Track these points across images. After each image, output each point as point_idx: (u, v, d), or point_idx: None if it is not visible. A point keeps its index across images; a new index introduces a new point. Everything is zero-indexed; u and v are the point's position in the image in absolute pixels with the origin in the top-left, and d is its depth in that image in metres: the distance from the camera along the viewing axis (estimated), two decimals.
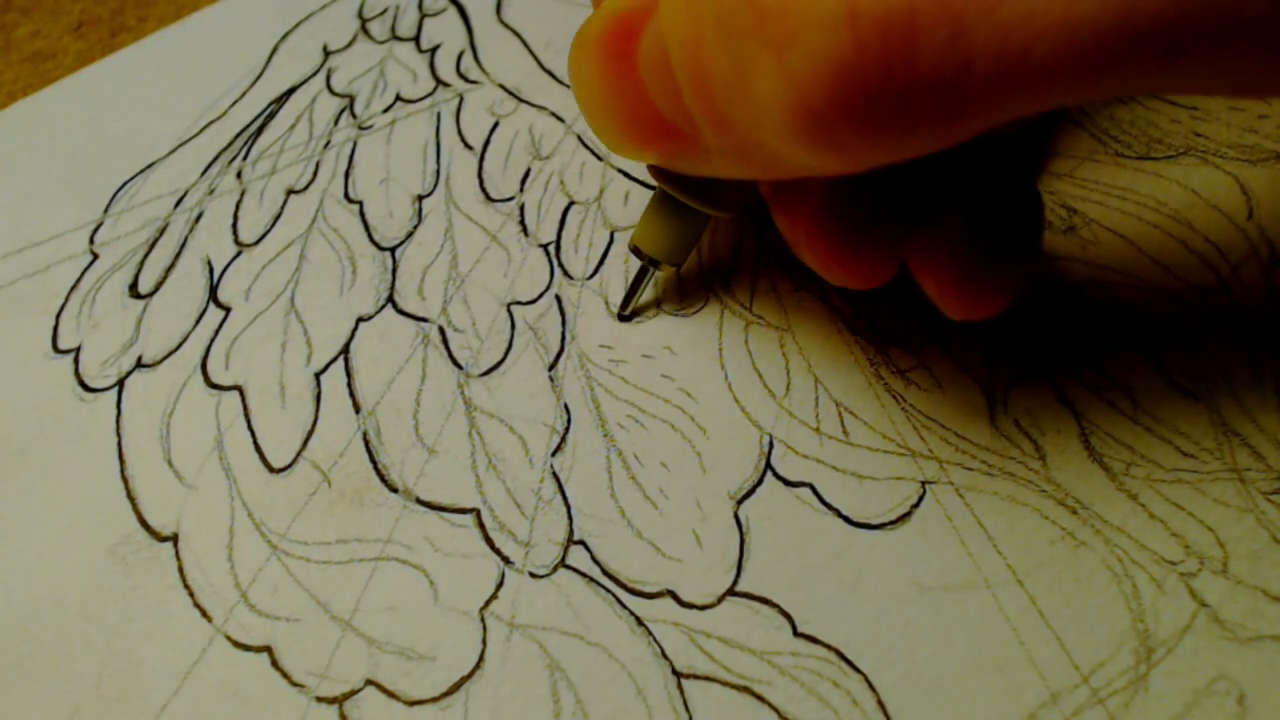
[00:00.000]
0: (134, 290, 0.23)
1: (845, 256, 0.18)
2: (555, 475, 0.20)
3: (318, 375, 0.22)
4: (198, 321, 0.22)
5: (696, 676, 0.18)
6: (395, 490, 0.20)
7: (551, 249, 0.23)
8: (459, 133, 0.25)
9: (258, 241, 0.24)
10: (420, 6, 0.28)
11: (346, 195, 0.24)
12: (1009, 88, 0.12)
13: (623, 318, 0.22)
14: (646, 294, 0.22)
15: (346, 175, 0.25)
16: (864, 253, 0.18)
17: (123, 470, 0.21)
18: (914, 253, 0.18)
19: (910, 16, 0.12)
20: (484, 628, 0.19)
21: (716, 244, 0.23)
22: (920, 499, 0.20)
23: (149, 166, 0.25)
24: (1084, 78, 0.12)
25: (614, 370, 0.21)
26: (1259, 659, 0.18)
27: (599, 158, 0.25)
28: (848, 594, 0.19)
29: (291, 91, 0.26)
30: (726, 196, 0.19)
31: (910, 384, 0.21)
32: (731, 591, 0.19)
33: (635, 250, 0.21)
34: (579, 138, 0.25)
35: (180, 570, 0.19)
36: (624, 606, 0.19)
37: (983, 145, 0.17)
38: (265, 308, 0.23)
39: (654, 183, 0.21)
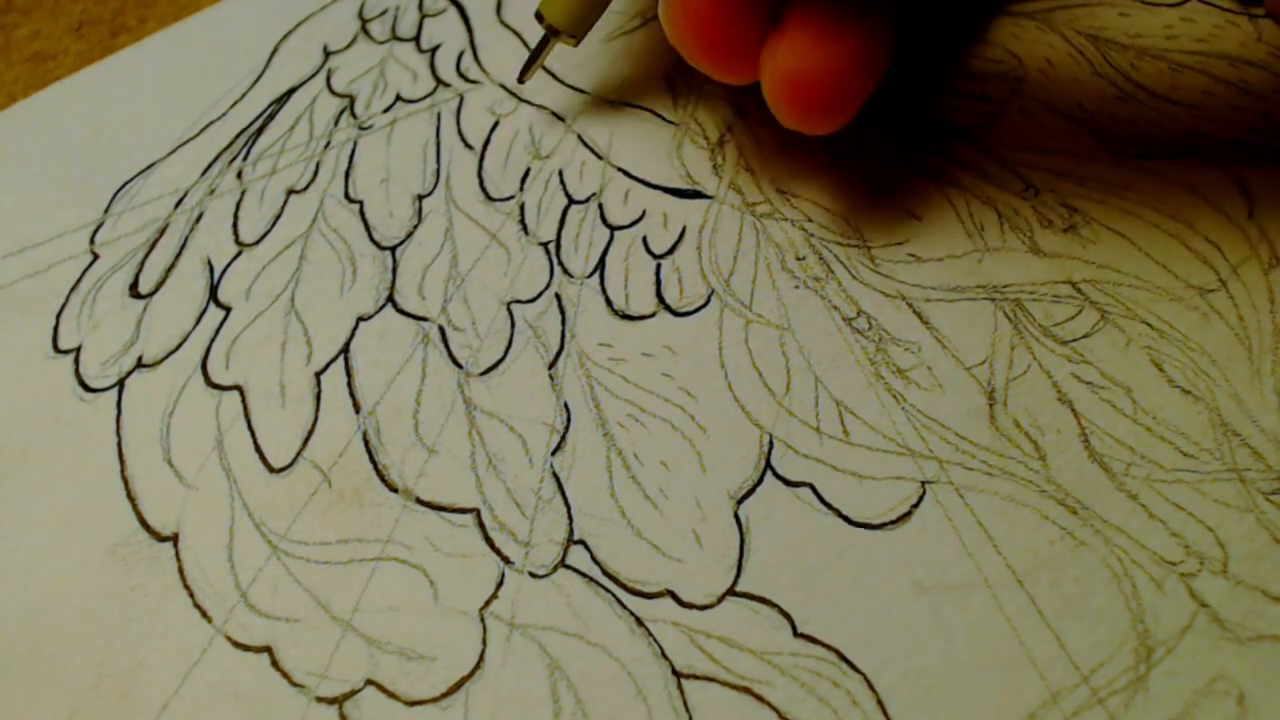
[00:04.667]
0: (134, 290, 0.23)
1: (723, 38, 0.20)
2: (555, 475, 0.20)
3: (318, 375, 0.22)
4: (198, 321, 0.22)
5: (696, 676, 0.18)
6: (395, 490, 0.20)
7: (551, 248, 0.23)
8: (459, 132, 0.25)
9: (258, 241, 0.24)
10: (420, 7, 0.28)
11: (347, 195, 0.24)
12: None
13: (520, 81, 0.24)
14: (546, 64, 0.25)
15: (347, 175, 0.25)
16: (739, 35, 0.20)
17: (123, 470, 0.21)
18: (770, 43, 0.20)
19: None
20: (484, 628, 0.19)
21: (716, 241, 0.23)
22: (920, 499, 0.20)
23: (149, 166, 0.25)
24: None
25: (614, 369, 0.21)
26: (1259, 659, 0.18)
27: (599, 157, 0.25)
28: (848, 594, 0.19)
29: (292, 92, 0.26)
30: None
31: (910, 384, 0.21)
32: (731, 591, 0.19)
33: (538, 17, 0.23)
34: (579, 137, 0.25)
35: (180, 570, 0.20)
36: (624, 606, 0.19)
37: None
38: (265, 308, 0.23)
39: None
